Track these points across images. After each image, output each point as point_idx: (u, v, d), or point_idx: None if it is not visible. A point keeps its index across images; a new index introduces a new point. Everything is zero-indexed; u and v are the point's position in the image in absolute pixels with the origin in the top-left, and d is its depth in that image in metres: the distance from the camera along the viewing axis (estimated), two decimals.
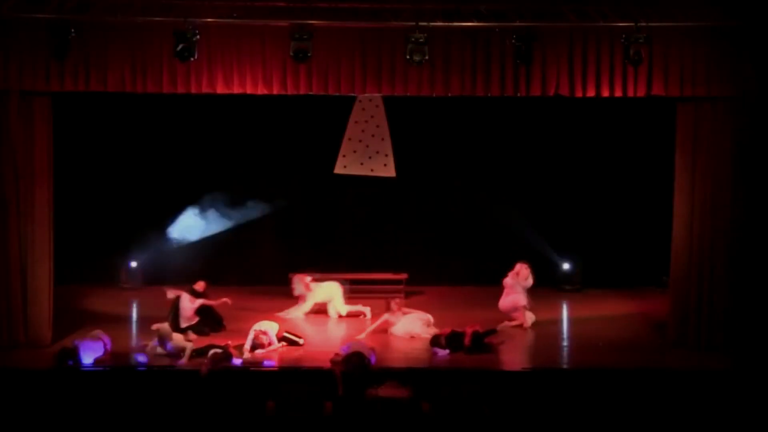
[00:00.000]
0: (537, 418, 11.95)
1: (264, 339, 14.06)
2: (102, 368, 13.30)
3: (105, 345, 13.71)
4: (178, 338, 13.85)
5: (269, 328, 14.23)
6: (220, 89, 14.05)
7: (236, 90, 14.09)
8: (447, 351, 14.03)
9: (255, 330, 14.06)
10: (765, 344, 13.80)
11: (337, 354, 13.39)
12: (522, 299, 15.55)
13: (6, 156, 14.16)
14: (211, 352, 13.39)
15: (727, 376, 13.00)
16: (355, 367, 12.73)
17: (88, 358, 13.31)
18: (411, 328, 15.02)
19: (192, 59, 13.39)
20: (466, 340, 14.03)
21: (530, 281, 15.71)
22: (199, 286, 15.25)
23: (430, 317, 15.21)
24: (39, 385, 12.59)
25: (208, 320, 15.16)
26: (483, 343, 14.09)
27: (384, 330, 15.05)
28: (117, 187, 18.29)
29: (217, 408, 12.04)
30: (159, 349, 13.77)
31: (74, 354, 13.16)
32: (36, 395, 12.34)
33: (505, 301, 15.58)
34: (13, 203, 14.19)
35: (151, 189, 18.37)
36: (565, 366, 13.89)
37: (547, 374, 13.18)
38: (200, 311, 15.11)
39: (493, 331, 14.35)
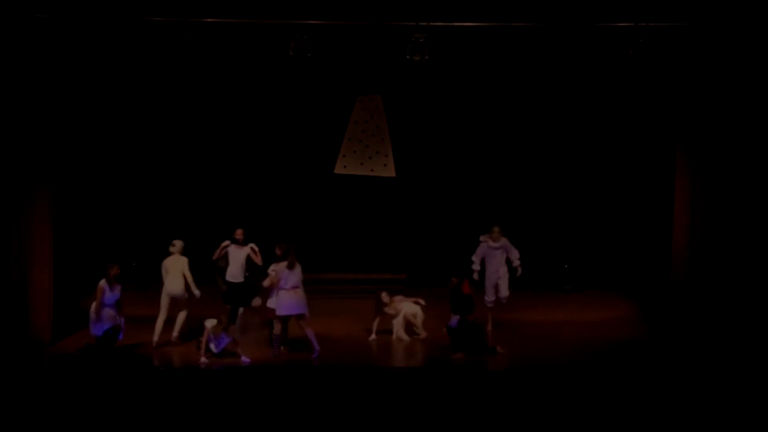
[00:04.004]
0: (535, 417, 11.96)
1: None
2: (101, 368, 13.31)
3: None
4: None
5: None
6: None
7: None
8: (458, 317, 14.03)
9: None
10: (764, 344, 13.82)
11: None
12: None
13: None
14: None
15: (725, 376, 13.01)
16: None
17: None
18: (411, 310, 15.04)
19: None
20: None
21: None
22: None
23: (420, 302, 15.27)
24: (38, 385, 12.61)
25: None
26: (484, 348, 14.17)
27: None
28: (117, 187, 18.33)
29: (216, 407, 12.06)
30: (212, 346, 13.85)
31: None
32: (35, 395, 12.35)
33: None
34: (13, 203, 14.19)
35: (152, 189, 18.42)
36: (561, 365, 13.90)
37: (545, 373, 13.20)
38: None
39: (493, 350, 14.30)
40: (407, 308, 15.10)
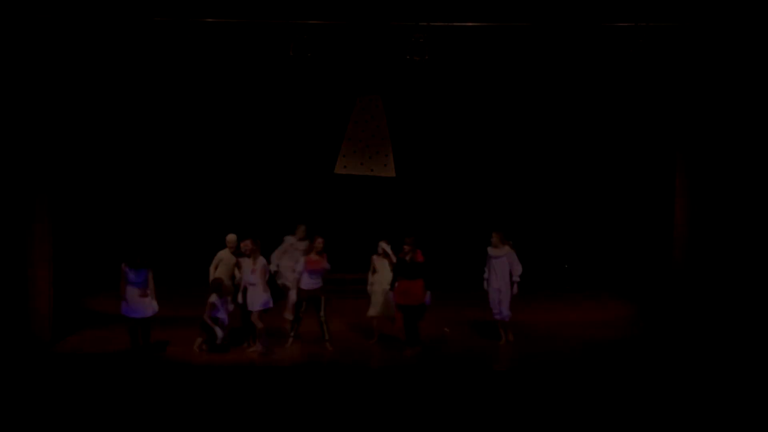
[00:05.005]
0: (535, 416, 11.97)
1: None
2: (101, 368, 13.33)
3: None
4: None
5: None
6: None
7: None
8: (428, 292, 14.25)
9: None
10: (763, 344, 13.83)
11: None
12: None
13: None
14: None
15: (724, 375, 13.02)
16: None
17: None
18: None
19: None
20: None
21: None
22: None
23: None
24: (39, 385, 12.61)
25: None
26: None
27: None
28: (119, 187, 18.34)
29: (217, 407, 12.07)
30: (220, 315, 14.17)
31: None
32: (35, 394, 12.37)
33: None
34: (13, 202, 14.20)
35: (153, 189, 18.43)
36: (560, 365, 13.92)
37: (545, 373, 13.21)
38: None
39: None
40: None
